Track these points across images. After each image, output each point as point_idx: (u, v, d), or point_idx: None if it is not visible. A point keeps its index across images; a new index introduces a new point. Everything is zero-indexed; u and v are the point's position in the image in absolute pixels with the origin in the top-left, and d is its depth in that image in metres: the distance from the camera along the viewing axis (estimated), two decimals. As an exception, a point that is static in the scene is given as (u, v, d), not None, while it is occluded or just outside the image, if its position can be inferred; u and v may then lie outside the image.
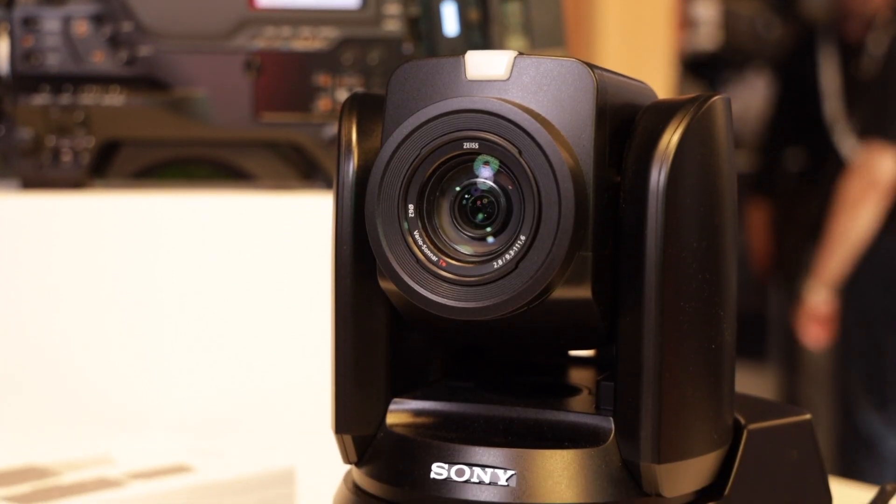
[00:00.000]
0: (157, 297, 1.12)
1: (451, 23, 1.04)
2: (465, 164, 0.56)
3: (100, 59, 1.00)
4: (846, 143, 2.46)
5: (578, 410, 0.59)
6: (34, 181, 1.06)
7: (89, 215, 1.07)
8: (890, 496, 0.65)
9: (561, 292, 0.55)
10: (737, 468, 0.60)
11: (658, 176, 0.55)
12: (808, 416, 0.63)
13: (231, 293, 1.14)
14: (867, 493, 0.68)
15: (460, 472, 0.57)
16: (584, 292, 0.56)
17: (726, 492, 0.59)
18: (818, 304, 2.33)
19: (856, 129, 2.38)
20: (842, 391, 2.39)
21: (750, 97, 3.12)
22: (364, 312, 0.60)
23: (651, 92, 0.61)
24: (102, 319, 1.10)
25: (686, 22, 3.04)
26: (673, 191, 0.55)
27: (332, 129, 1.05)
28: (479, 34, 1.05)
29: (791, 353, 2.81)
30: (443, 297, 0.56)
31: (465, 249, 0.56)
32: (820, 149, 2.59)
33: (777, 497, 0.61)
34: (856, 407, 2.32)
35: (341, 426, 0.60)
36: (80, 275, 1.09)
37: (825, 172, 2.50)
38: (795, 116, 2.70)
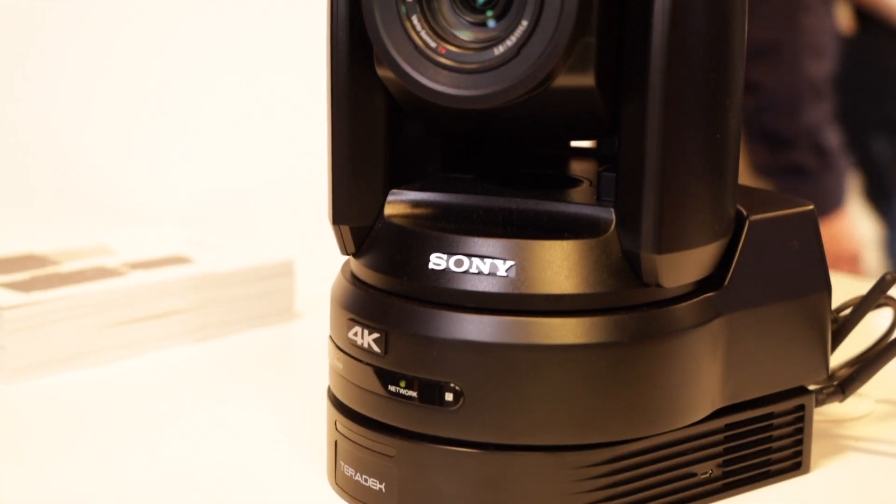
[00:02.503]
0: (152, 88, 1.10)
1: None
2: (466, -56, 0.54)
3: None
4: None
5: (579, 201, 0.58)
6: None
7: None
8: (889, 286, 0.65)
9: (563, 80, 0.54)
10: (737, 259, 0.59)
11: (666, -43, 0.53)
12: (810, 207, 0.62)
13: (226, 84, 1.13)
14: (866, 283, 0.68)
15: (459, 263, 0.56)
16: (587, 80, 0.54)
17: (726, 282, 0.59)
18: None
19: None
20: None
21: None
22: (361, 102, 0.59)
23: None
24: (99, 111, 1.09)
25: None
26: (681, -27, 0.53)
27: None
28: None
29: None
30: (442, 84, 0.55)
31: (464, 35, 0.55)
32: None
33: (777, 287, 0.61)
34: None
35: (339, 217, 0.60)
36: (74, 65, 1.07)
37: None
38: None
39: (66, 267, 0.84)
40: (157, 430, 0.70)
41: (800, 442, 0.63)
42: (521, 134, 0.65)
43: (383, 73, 0.57)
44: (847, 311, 0.67)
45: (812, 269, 0.62)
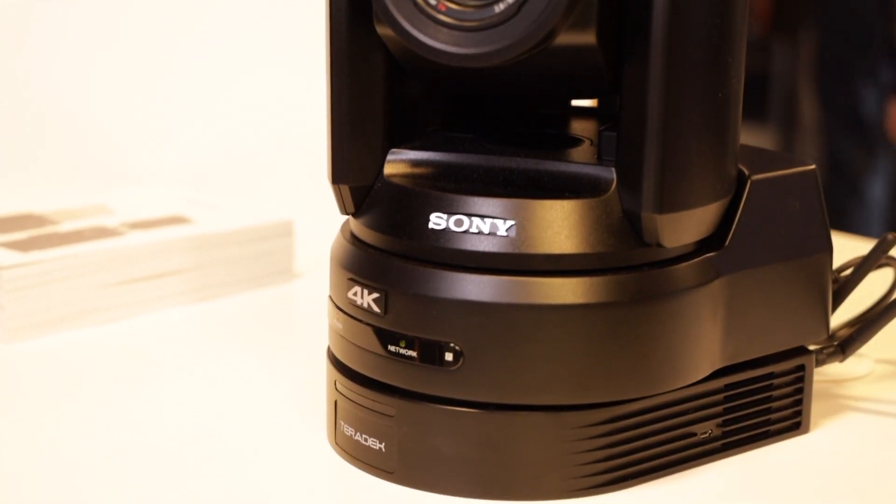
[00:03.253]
0: (151, 49, 1.10)
1: None
2: None
3: None
4: None
5: (580, 161, 0.58)
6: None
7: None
8: (890, 246, 0.64)
9: (564, 38, 0.53)
10: (738, 219, 0.59)
11: (669, -86, 0.52)
12: (812, 167, 0.62)
13: (224, 44, 1.12)
14: (868, 244, 0.67)
15: (459, 223, 0.56)
16: (588, 38, 0.54)
17: (727, 242, 0.59)
18: None
19: None
20: (829, 143, 2.38)
21: None
22: (360, 60, 0.59)
23: None
24: (98, 71, 1.09)
25: None
26: (683, -70, 0.52)
27: None
28: None
29: (792, 113, 2.79)
30: (442, 42, 0.54)
31: (465, -8, 0.54)
32: None
33: (778, 247, 0.61)
34: (843, 155, 2.31)
35: (338, 176, 0.60)
36: (74, 26, 1.07)
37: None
38: None
39: (65, 227, 0.84)
40: (156, 390, 0.70)
41: (799, 402, 0.63)
42: (522, 93, 0.64)
43: (383, 31, 0.57)
44: (848, 272, 0.67)
45: (813, 229, 0.62)
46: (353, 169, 0.59)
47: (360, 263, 0.59)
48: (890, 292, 0.68)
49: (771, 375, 0.62)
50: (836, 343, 0.65)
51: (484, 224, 0.56)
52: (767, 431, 0.63)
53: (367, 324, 0.58)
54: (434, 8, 0.54)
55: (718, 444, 0.61)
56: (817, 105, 2.42)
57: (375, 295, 0.57)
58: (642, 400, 0.57)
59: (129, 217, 0.87)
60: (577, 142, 0.61)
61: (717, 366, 0.60)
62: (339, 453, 0.61)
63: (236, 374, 0.72)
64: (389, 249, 0.58)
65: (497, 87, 0.61)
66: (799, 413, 0.64)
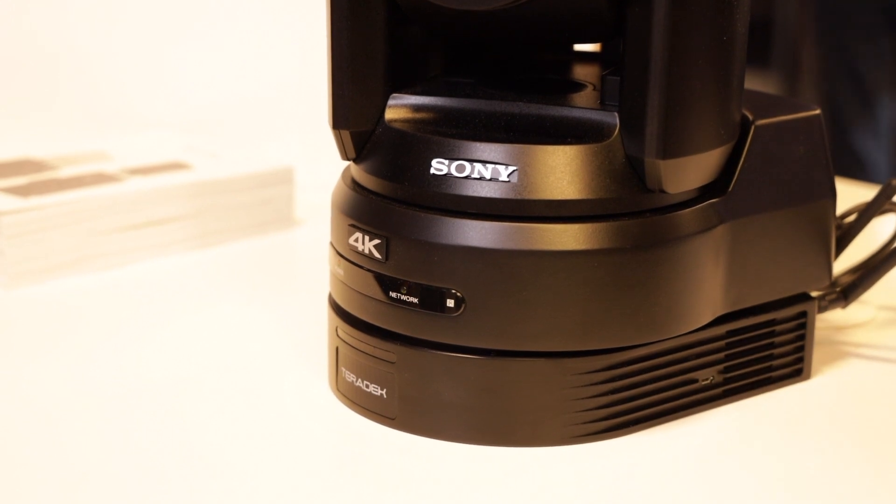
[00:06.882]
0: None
1: None
2: None
3: None
4: None
5: (583, 106, 0.57)
6: None
7: None
8: (894, 192, 0.64)
9: (567, -20, 0.53)
10: (742, 164, 0.59)
11: None
12: (817, 112, 0.62)
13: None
14: (871, 190, 0.67)
15: (461, 168, 0.56)
16: (591, -20, 0.53)
17: (730, 188, 0.59)
18: None
19: None
20: (831, 107, 2.37)
21: None
22: (361, 4, 0.58)
23: None
24: (97, 16, 1.08)
25: None
26: None
27: None
28: None
29: (796, 60, 2.78)
30: (443, -15, 0.54)
31: (466, -68, 0.53)
32: None
33: (781, 193, 0.60)
34: (845, 121, 2.30)
35: (339, 121, 0.59)
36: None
37: None
38: None
39: (64, 172, 0.84)
40: (155, 336, 0.70)
41: (801, 348, 0.63)
42: (525, 36, 0.64)
43: (383, -27, 0.56)
44: (851, 218, 0.66)
45: (817, 175, 0.62)
46: (353, 114, 0.59)
47: (361, 209, 0.58)
48: (893, 239, 0.68)
49: (773, 322, 0.62)
50: (838, 290, 0.65)
51: (486, 170, 0.55)
52: (769, 378, 0.63)
53: (369, 270, 0.58)
54: (435, -50, 0.53)
55: (720, 390, 0.61)
56: (817, 54, 2.40)
57: (376, 241, 0.57)
58: (644, 346, 0.57)
59: (129, 163, 0.86)
60: (579, 87, 0.61)
61: (719, 312, 0.59)
62: (340, 399, 0.61)
63: (236, 322, 0.72)
64: (390, 195, 0.57)
65: (499, 31, 0.61)
66: (800, 360, 0.63)
